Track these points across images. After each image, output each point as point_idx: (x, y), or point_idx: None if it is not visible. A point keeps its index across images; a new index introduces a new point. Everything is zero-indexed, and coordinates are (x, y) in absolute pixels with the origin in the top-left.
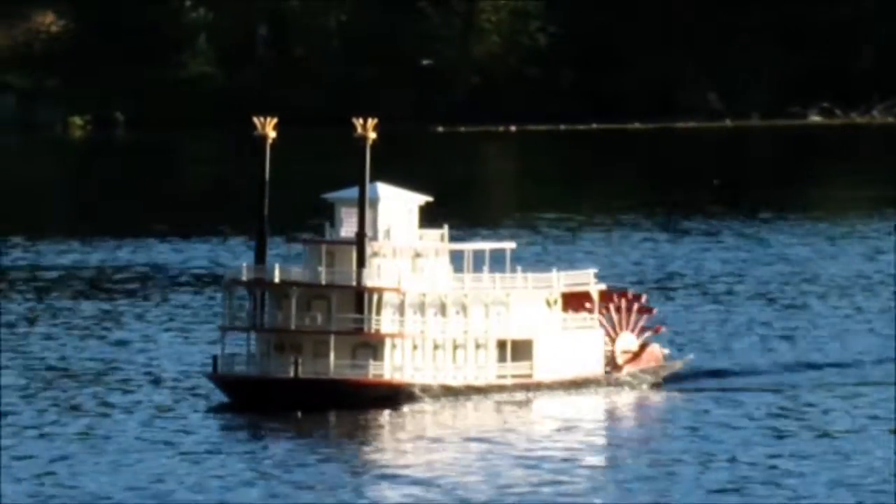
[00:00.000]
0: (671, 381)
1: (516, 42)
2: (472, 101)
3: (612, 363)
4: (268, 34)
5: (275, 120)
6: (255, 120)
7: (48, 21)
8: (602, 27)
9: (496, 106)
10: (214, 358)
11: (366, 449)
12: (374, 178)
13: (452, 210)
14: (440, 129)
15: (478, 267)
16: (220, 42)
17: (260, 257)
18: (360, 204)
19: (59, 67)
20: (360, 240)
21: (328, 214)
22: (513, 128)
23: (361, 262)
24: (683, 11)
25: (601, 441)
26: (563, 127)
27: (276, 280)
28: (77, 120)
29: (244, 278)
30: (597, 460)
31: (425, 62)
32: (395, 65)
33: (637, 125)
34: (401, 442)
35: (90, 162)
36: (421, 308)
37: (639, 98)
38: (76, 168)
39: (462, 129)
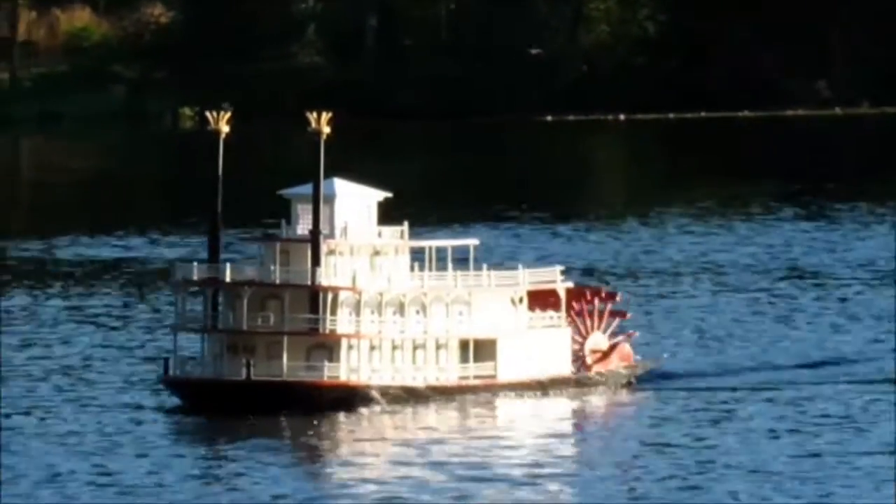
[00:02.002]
0: (643, 381)
1: (625, 31)
2: (581, 91)
3: (581, 363)
4: (378, 25)
5: (228, 115)
6: (209, 115)
7: (157, 12)
8: (711, 15)
9: (604, 95)
10: (165, 360)
11: (320, 453)
12: (485, 166)
13: (557, 198)
14: (548, 118)
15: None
16: (329, 33)
17: (213, 255)
18: (315, 200)
19: (168, 58)
20: (314, 237)
21: (285, 212)
22: (621, 117)
23: (316, 261)
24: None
25: (567, 443)
26: (671, 116)
27: (228, 279)
28: (187, 111)
29: (195, 277)
30: (563, 463)
31: (534, 51)
32: (503, 55)
33: (746, 113)
34: (357, 446)
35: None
36: (378, 307)
37: (747, 87)
38: (185, 159)
39: (570, 118)
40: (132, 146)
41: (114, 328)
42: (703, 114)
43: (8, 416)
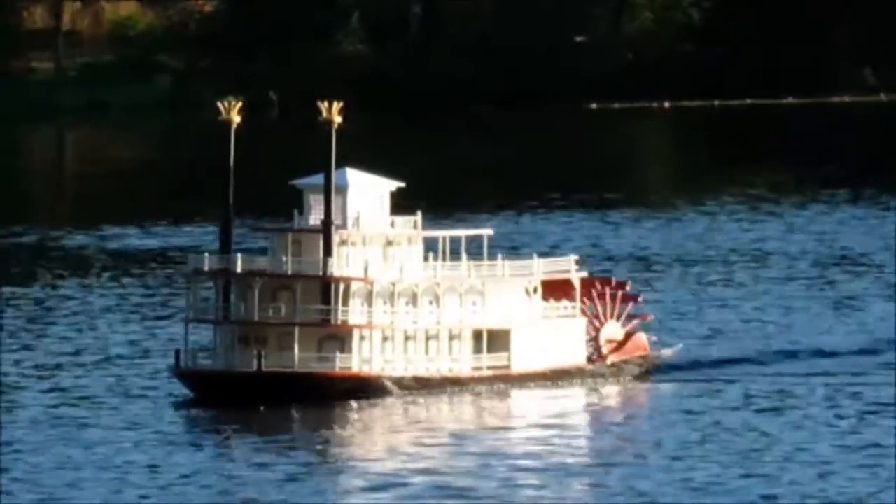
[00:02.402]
0: (659, 371)
1: (669, 18)
2: (625, 78)
3: (596, 353)
4: (421, 13)
5: (239, 104)
6: (220, 105)
7: (202, 2)
8: (756, 1)
9: (649, 82)
10: (177, 351)
11: (332, 444)
12: (530, 154)
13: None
14: (594, 105)
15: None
16: (373, 21)
17: (225, 246)
18: (326, 190)
19: (213, 48)
20: (326, 228)
21: (297, 202)
22: (666, 104)
23: (328, 251)
24: None
25: (582, 434)
26: (716, 103)
27: (240, 270)
28: (231, 100)
29: (207, 269)
30: (578, 455)
31: (579, 39)
32: (548, 42)
33: (791, 100)
34: (369, 437)
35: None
36: (391, 298)
37: (792, 73)
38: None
39: (615, 105)
40: (177, 136)
41: (157, 318)
42: (747, 101)
43: (24, 406)
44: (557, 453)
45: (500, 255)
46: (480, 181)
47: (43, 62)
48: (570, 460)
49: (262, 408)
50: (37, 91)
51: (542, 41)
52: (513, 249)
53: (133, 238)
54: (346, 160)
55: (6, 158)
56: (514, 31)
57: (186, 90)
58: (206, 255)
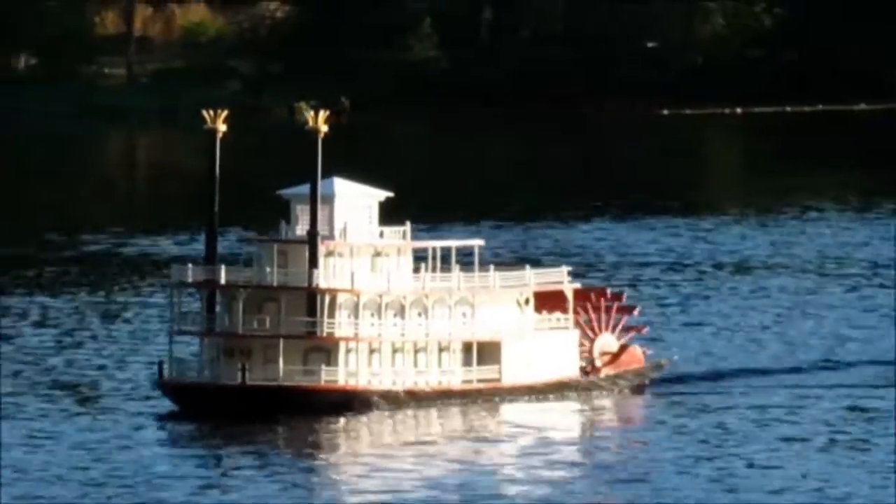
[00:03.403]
0: (653, 383)
1: (741, 24)
2: (696, 84)
3: (589, 365)
4: (492, 17)
5: (225, 113)
6: (205, 114)
7: (273, 7)
8: (828, 8)
9: (720, 88)
10: (160, 363)
11: (317, 459)
12: (594, 159)
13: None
14: (665, 111)
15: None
16: (444, 26)
17: (210, 257)
18: (312, 200)
19: (284, 53)
20: (311, 238)
21: (284, 212)
22: (738, 110)
23: (314, 262)
24: None
25: (575, 449)
26: (788, 108)
27: (224, 281)
28: (302, 105)
29: (191, 279)
30: (570, 469)
31: (650, 44)
32: (619, 47)
33: (863, 106)
34: (355, 451)
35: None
36: (378, 309)
37: (865, 79)
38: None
39: (687, 111)
40: (246, 142)
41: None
42: (819, 107)
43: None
44: (549, 467)
45: (491, 267)
46: (547, 184)
47: (114, 67)
48: (561, 474)
49: (246, 421)
50: (108, 96)
51: (613, 46)
52: (556, 257)
53: (170, 245)
54: (411, 163)
55: (78, 164)
56: (585, 35)
57: (257, 95)
58: (190, 265)
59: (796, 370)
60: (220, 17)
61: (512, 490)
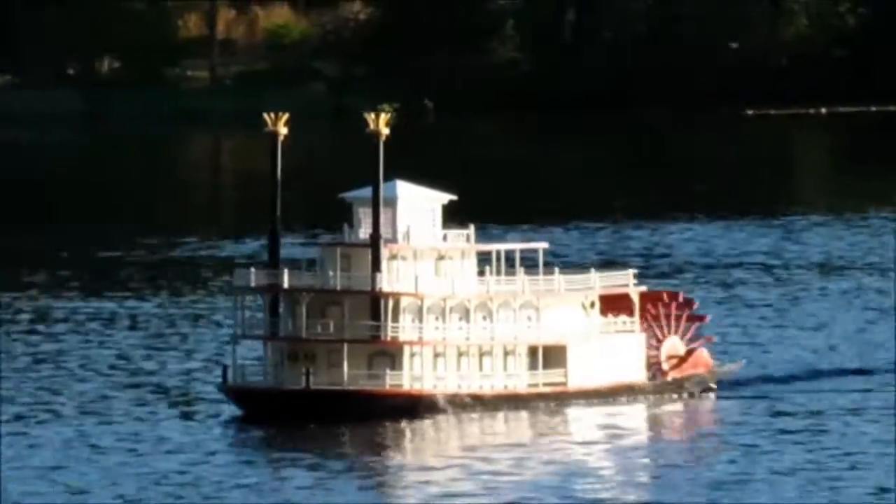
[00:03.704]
0: (722, 387)
1: (825, 24)
2: (781, 84)
3: (656, 369)
4: (575, 19)
5: (286, 116)
6: (266, 117)
7: (356, 9)
8: None
9: (805, 88)
10: (224, 368)
11: (381, 464)
12: (678, 160)
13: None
14: (749, 112)
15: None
16: (527, 28)
17: (273, 261)
18: (374, 204)
19: (368, 55)
20: (374, 242)
21: (347, 215)
22: (823, 110)
23: (377, 266)
24: None
25: (641, 454)
26: (874, 108)
27: (287, 286)
28: (386, 107)
29: (254, 284)
30: (637, 475)
31: (734, 45)
32: (703, 48)
33: None
34: (420, 456)
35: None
36: (442, 313)
37: None
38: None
39: (771, 111)
40: (331, 144)
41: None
42: None
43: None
44: (615, 471)
45: (556, 270)
46: (633, 184)
47: (198, 70)
48: (628, 478)
49: (310, 426)
50: (191, 99)
51: (696, 47)
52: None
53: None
54: (492, 165)
55: (162, 167)
56: (669, 36)
57: (341, 98)
58: (253, 269)
59: (877, 372)
60: (304, 19)
61: (581, 494)
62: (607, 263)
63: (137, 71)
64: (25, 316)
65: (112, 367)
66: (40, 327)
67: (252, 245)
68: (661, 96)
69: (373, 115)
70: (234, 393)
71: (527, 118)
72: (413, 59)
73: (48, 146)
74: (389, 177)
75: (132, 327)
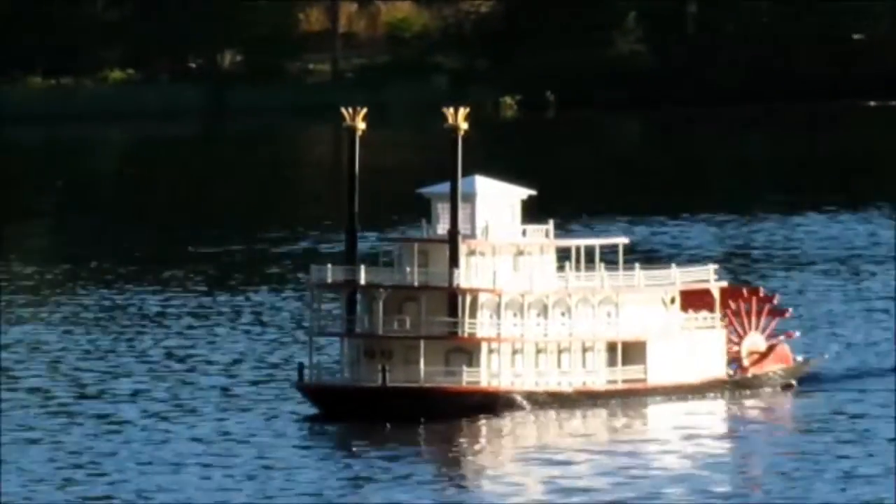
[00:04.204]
0: (804, 383)
1: None
2: None
3: (737, 365)
4: (697, 11)
5: (364, 111)
6: (344, 112)
7: (477, 2)
8: None
9: None
10: (300, 365)
11: (460, 462)
12: (808, 151)
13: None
14: (872, 103)
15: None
16: (649, 21)
17: (350, 257)
18: (453, 199)
19: (488, 48)
20: (452, 238)
21: (425, 211)
22: None
23: (455, 262)
24: None
25: (723, 451)
26: None
27: (364, 282)
28: (508, 100)
29: (330, 280)
30: (718, 473)
31: (856, 37)
32: (825, 40)
33: None
34: (494, 454)
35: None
36: (520, 309)
37: None
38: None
39: (894, 103)
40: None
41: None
42: None
43: (158, 415)
44: (697, 469)
45: (636, 265)
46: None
47: (319, 64)
48: (710, 475)
49: (387, 424)
50: (313, 93)
51: (819, 39)
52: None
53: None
54: (615, 160)
55: (283, 161)
56: (792, 28)
57: (462, 90)
58: (330, 266)
59: None
60: (425, 12)
61: (659, 493)
62: (732, 256)
63: (259, 65)
64: (158, 308)
65: (189, 362)
66: (171, 322)
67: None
68: (783, 87)
69: (451, 111)
70: (311, 391)
71: (649, 111)
72: (534, 51)
73: (171, 141)
74: (507, 167)
75: (233, 320)
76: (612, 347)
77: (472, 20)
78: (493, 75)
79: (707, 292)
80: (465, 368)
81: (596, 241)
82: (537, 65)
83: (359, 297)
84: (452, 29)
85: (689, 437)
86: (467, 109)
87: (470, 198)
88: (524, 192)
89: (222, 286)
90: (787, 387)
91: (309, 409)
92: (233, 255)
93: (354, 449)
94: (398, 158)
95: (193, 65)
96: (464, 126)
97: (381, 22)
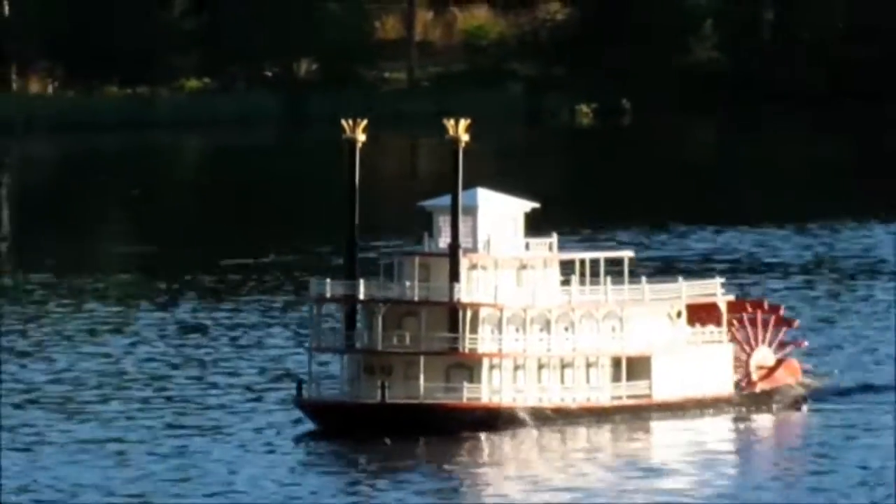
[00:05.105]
0: (813, 399)
1: None
2: None
3: (746, 380)
4: (774, 18)
5: (365, 122)
6: (344, 123)
7: (554, 9)
8: None
9: None
10: (299, 381)
11: (460, 480)
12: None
13: None
14: None
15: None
16: (725, 27)
17: (349, 271)
18: (454, 212)
19: (564, 55)
20: (453, 251)
21: (427, 224)
22: None
23: (455, 276)
24: None
25: (730, 467)
26: None
27: (363, 296)
28: (583, 108)
29: (329, 295)
30: (725, 492)
31: None
32: None
33: None
34: (495, 471)
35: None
36: (522, 324)
37: None
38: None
39: None
40: (529, 144)
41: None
42: None
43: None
44: (703, 486)
45: (643, 279)
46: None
47: (395, 72)
48: (715, 492)
49: (386, 440)
50: (389, 101)
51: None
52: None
53: None
54: (688, 167)
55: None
56: (869, 32)
57: (539, 98)
58: (329, 280)
59: None
60: (501, 20)
61: None
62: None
63: (335, 73)
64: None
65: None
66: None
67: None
68: (864, 93)
69: (451, 122)
70: (310, 407)
71: (730, 117)
72: (610, 58)
73: (248, 149)
74: (590, 172)
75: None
76: (616, 363)
77: (549, 28)
78: (569, 83)
79: (714, 306)
80: (465, 384)
81: (601, 255)
82: (613, 72)
83: (360, 311)
84: (528, 36)
85: (694, 455)
86: (468, 121)
87: (472, 211)
88: (527, 205)
89: (246, 300)
90: (796, 402)
91: (308, 426)
92: (281, 265)
93: (354, 465)
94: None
95: (269, 73)
96: (465, 138)
97: (457, 30)
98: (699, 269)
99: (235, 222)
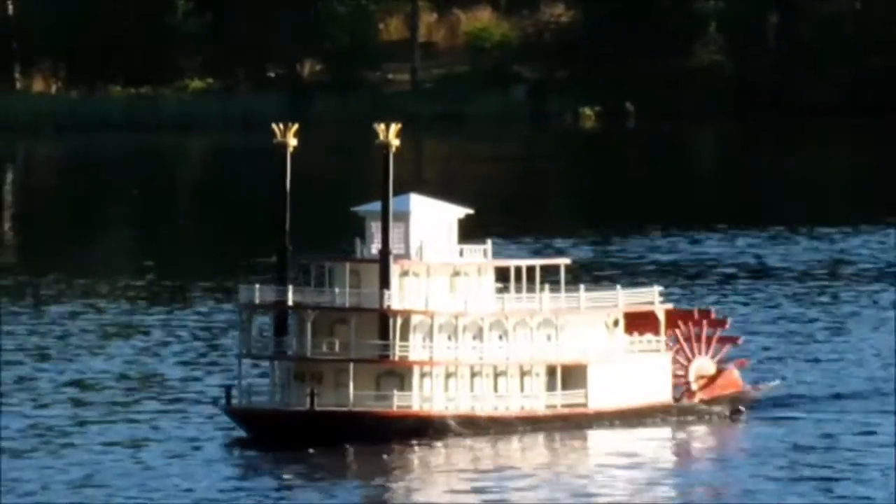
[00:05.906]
0: (753, 409)
1: None
2: None
3: (685, 390)
4: (778, 22)
5: (296, 127)
6: (275, 127)
7: (558, 12)
8: None
9: None
10: (227, 389)
11: (387, 489)
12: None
13: None
14: None
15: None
16: (730, 31)
17: (281, 277)
18: (384, 218)
19: (569, 58)
20: (383, 258)
21: (359, 230)
22: None
23: (385, 283)
24: None
25: (664, 479)
26: None
27: (292, 302)
28: (587, 111)
29: (259, 301)
30: (659, 499)
31: None
32: None
33: None
34: (425, 481)
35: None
36: (454, 332)
37: None
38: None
39: None
40: (532, 147)
41: None
42: None
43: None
44: (636, 495)
45: (581, 287)
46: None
47: (399, 74)
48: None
49: (311, 449)
50: (393, 102)
51: None
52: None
53: None
54: (695, 172)
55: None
56: (876, 38)
57: (542, 100)
58: (257, 286)
59: None
60: (505, 22)
61: None
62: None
63: (339, 74)
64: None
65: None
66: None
67: None
68: (872, 98)
69: (382, 126)
70: (238, 414)
71: (734, 122)
72: (614, 61)
73: (250, 150)
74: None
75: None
76: (551, 371)
77: (552, 30)
78: (573, 86)
79: (652, 314)
80: (396, 392)
81: (536, 262)
82: (617, 75)
83: (290, 318)
84: (532, 39)
85: (628, 465)
86: (399, 125)
87: (404, 216)
88: (461, 211)
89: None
90: (735, 413)
91: (237, 433)
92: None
93: (280, 473)
94: (463, 170)
95: (273, 74)
96: (395, 142)
97: (461, 32)
98: (683, 275)
99: (235, 222)
